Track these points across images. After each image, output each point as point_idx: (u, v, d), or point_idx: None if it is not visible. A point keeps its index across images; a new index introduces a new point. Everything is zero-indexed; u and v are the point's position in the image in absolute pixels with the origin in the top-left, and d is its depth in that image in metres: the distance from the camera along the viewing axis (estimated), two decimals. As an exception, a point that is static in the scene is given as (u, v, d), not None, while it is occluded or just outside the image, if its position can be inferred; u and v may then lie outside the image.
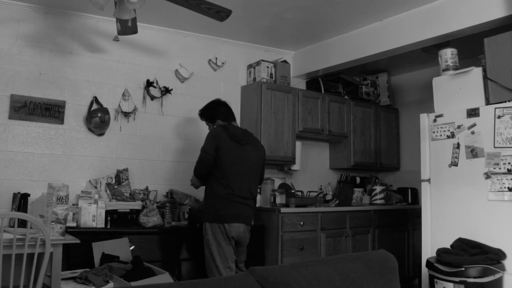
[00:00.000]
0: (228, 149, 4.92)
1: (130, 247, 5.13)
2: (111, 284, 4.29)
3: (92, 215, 5.20)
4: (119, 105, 6.05)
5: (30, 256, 3.87)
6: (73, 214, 5.13)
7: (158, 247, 5.39)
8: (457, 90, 5.01)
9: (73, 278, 4.43)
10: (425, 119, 5.24)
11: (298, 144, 7.00)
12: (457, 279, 4.26)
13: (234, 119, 5.25)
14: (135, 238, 5.24)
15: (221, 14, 4.56)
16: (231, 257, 4.85)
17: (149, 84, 6.23)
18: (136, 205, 5.55)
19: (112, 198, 5.61)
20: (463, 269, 4.24)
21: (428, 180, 5.14)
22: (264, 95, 6.61)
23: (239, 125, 5.18)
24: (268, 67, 6.88)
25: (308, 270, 2.51)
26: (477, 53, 5.19)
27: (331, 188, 7.55)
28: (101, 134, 5.90)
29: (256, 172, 5.08)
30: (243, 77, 7.14)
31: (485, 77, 4.76)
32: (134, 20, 4.56)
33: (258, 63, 6.90)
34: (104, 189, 5.71)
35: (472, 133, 4.74)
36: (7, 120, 5.38)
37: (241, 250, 5.06)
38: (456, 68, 5.21)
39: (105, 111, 5.81)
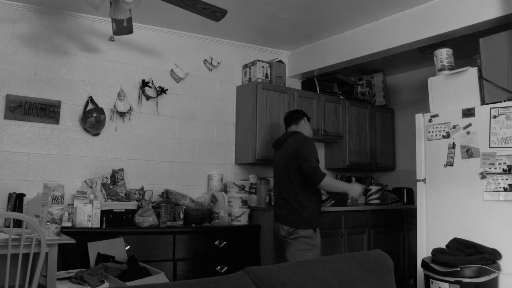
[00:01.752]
0: (273, 157, 5.59)
1: (126, 247, 5.12)
2: (106, 284, 4.28)
3: (88, 215, 5.20)
4: (115, 105, 6.04)
5: (26, 256, 3.86)
6: (69, 214, 5.13)
7: (153, 247, 5.38)
8: (453, 90, 5.01)
9: (69, 278, 4.42)
10: (420, 119, 5.24)
11: (294, 144, 7.00)
12: (452, 279, 4.26)
13: (288, 124, 5.52)
14: (130, 238, 5.24)
15: (216, 14, 4.55)
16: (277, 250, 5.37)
17: (144, 84, 6.23)
18: (132, 205, 5.55)
19: (108, 198, 5.61)
20: (459, 269, 4.24)
21: (424, 180, 5.14)
22: (259, 95, 6.61)
23: (287, 128, 5.53)
24: (263, 67, 6.89)
25: (303, 270, 2.51)
26: (473, 53, 5.19)
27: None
28: (96, 134, 5.90)
29: (285, 173, 5.17)
30: (239, 77, 7.14)
31: (480, 77, 4.76)
32: (129, 20, 4.56)
33: (253, 63, 6.90)
34: (100, 189, 5.70)
35: (468, 133, 4.74)
36: (2, 120, 5.37)
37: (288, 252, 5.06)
38: (451, 68, 5.21)
39: (100, 111, 5.80)
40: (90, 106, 5.85)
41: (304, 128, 5.46)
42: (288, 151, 5.17)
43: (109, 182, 5.79)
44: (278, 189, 5.33)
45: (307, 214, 5.00)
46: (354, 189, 5.18)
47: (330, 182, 5.06)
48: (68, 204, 5.35)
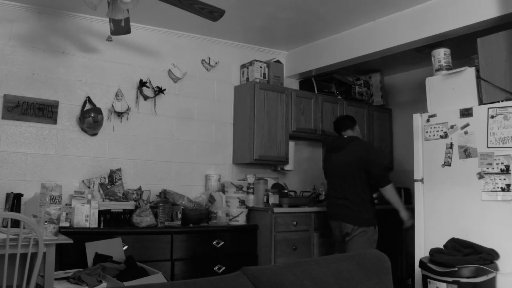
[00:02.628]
0: (326, 159, 6.02)
1: (123, 247, 5.12)
2: (104, 284, 4.28)
3: (85, 215, 5.19)
4: (112, 105, 6.04)
5: (23, 256, 3.86)
6: (66, 214, 5.13)
7: (151, 247, 5.38)
8: (450, 90, 5.02)
9: (66, 278, 4.42)
10: (418, 119, 5.25)
11: (291, 144, 7.00)
12: (450, 279, 4.27)
13: (343, 129, 5.90)
14: (128, 238, 5.24)
15: (214, 14, 4.55)
16: (338, 247, 5.73)
17: (142, 84, 6.22)
18: (129, 205, 5.54)
19: (105, 198, 5.60)
20: (456, 269, 4.25)
21: (421, 180, 5.15)
22: (257, 95, 6.61)
23: (343, 133, 5.90)
24: (261, 67, 6.88)
25: (301, 270, 2.51)
26: (470, 53, 5.20)
27: (324, 188, 7.54)
28: (94, 134, 5.90)
29: (349, 175, 5.55)
30: (236, 77, 7.14)
31: (478, 77, 4.77)
32: (127, 20, 4.56)
33: (251, 63, 6.90)
34: (97, 189, 5.70)
35: (465, 133, 4.75)
36: (0, 120, 5.37)
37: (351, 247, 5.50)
38: (449, 68, 5.22)
39: (98, 111, 5.80)
40: (87, 106, 5.84)
41: (358, 133, 5.97)
42: (353, 154, 5.57)
43: (106, 182, 5.79)
44: (340, 190, 5.64)
45: (368, 213, 5.48)
46: (407, 213, 5.51)
47: (392, 192, 5.49)
48: (66, 204, 5.34)
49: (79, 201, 5.25)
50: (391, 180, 5.51)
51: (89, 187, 5.69)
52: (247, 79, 6.92)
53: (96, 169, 5.89)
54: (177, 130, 6.52)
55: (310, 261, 2.68)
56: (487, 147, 4.55)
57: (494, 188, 4.47)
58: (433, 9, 5.48)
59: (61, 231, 4.71)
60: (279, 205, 6.36)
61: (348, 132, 5.85)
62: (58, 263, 4.62)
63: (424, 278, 4.55)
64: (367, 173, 5.50)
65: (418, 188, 5.18)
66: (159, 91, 6.33)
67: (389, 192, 5.47)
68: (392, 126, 8.36)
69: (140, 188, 5.97)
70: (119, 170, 5.93)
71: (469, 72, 4.86)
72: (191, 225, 5.81)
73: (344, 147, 5.69)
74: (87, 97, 5.88)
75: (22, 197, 5.13)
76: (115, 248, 5.03)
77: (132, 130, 6.17)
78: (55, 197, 4.29)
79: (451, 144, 4.87)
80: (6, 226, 3.86)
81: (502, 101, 4.52)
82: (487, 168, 4.53)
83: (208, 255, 5.77)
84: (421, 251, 5.05)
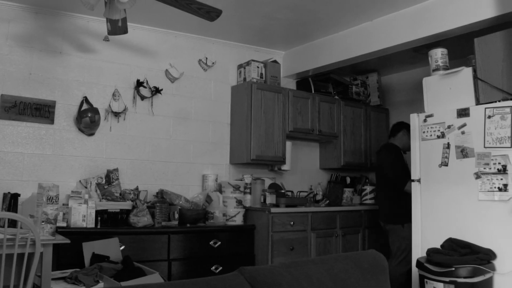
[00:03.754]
0: None
1: (120, 247, 5.12)
2: (101, 284, 4.27)
3: (82, 215, 5.18)
4: (109, 105, 6.03)
5: (20, 256, 3.85)
6: (63, 214, 5.12)
7: (148, 247, 5.38)
8: (448, 90, 5.02)
9: (63, 278, 4.41)
10: (415, 119, 5.25)
11: (288, 144, 7.00)
12: (447, 279, 4.27)
13: (390, 136, 6.68)
14: (125, 238, 5.23)
15: (211, 14, 4.55)
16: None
17: (139, 84, 6.22)
18: (126, 205, 5.54)
19: (102, 198, 5.59)
20: (453, 269, 4.25)
21: (418, 180, 5.15)
22: (254, 95, 6.61)
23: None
24: (258, 67, 6.88)
25: (298, 270, 2.51)
26: (468, 53, 5.21)
27: (321, 188, 7.55)
28: (91, 134, 5.89)
29: (378, 178, 6.58)
30: (233, 77, 7.13)
31: (475, 77, 4.77)
32: (124, 20, 4.55)
33: (248, 63, 6.90)
34: (94, 189, 5.68)
35: (462, 133, 4.75)
36: (-4, 120, 5.37)
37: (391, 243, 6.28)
38: (446, 68, 5.22)
39: (95, 111, 5.79)
40: (84, 106, 5.84)
41: (401, 139, 6.44)
42: (378, 160, 6.58)
43: (103, 182, 5.78)
44: (376, 191, 6.82)
45: (393, 212, 6.17)
46: None
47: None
48: (63, 204, 5.33)
49: (76, 201, 5.25)
50: (407, 179, 5.83)
51: (86, 187, 5.69)
52: (244, 79, 6.92)
53: (93, 169, 5.89)
54: (174, 130, 6.51)
55: (307, 261, 2.69)
56: (484, 147, 4.56)
57: (491, 188, 4.47)
58: (430, 9, 5.49)
59: (58, 231, 4.71)
60: (276, 205, 6.35)
61: (391, 139, 6.57)
62: (55, 263, 4.62)
63: (421, 278, 4.55)
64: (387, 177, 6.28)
65: (415, 188, 5.18)
66: (156, 91, 6.32)
67: (410, 189, 5.65)
68: (389, 126, 8.31)
69: (137, 188, 5.97)
70: (116, 170, 5.93)
71: (466, 72, 4.87)
72: (188, 225, 5.81)
73: (379, 153, 6.62)
74: (84, 97, 5.87)
75: (19, 197, 5.13)
76: (112, 248, 5.03)
77: (129, 130, 6.16)
78: (52, 197, 4.29)
79: (448, 144, 4.88)
80: (3, 226, 3.85)
81: (499, 101, 4.52)
82: (484, 168, 4.54)
83: (205, 255, 5.77)
84: (418, 251, 5.05)
